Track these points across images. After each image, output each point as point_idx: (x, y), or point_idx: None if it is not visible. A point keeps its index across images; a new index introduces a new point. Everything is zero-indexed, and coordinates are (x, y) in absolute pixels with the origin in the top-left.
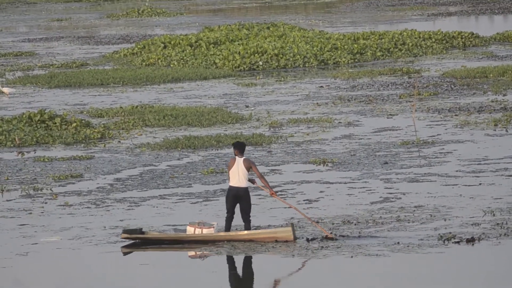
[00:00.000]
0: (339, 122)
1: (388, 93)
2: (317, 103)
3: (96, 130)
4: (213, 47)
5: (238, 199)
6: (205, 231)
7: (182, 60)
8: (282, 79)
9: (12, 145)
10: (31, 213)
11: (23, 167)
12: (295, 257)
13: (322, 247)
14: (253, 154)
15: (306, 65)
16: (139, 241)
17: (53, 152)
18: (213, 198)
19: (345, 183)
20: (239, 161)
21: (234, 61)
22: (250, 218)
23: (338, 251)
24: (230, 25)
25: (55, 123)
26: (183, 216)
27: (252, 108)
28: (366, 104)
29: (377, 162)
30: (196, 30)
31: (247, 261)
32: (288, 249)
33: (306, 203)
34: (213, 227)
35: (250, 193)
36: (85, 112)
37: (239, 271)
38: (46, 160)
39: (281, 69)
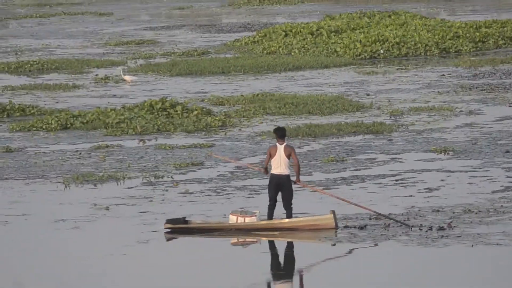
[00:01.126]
0: (461, 111)
1: (510, 81)
2: (439, 92)
3: (217, 118)
4: (334, 35)
5: (280, 187)
6: (247, 219)
7: (303, 48)
8: (403, 67)
9: (133, 133)
10: (152, 201)
11: (144, 155)
12: (416, 246)
13: (442, 236)
14: (373, 143)
15: (428, 54)
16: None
17: (174, 140)
18: (333, 186)
19: (466, 171)
20: (280, 148)
21: (355, 50)
22: (292, 206)
23: (459, 240)
24: (351, 13)
25: (176, 111)
26: (303, 203)
27: (373, 97)
28: (487, 93)
29: (498, 151)
30: (317, 18)
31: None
32: (408, 238)
33: (426, 192)
34: (255, 216)
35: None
36: (206, 100)
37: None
38: (167, 148)
39: (402, 58)
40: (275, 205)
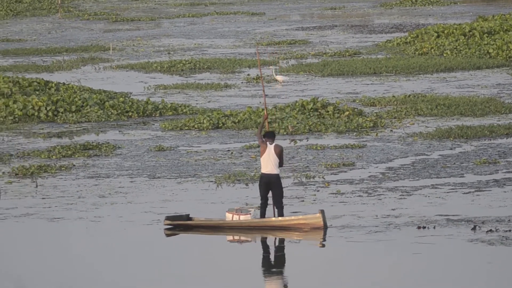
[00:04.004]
0: None
1: None
2: None
3: (368, 119)
4: (487, 36)
5: (270, 186)
6: (242, 217)
7: (455, 50)
8: None
9: (285, 133)
10: (303, 201)
11: (295, 155)
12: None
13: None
14: None
15: None
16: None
17: (325, 140)
18: (486, 188)
19: None
20: (270, 148)
21: (508, 51)
22: (283, 205)
23: None
24: (504, 15)
25: (328, 111)
26: (455, 206)
27: None
28: None
29: None
30: (469, 20)
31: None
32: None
33: None
34: (250, 214)
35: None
36: (357, 101)
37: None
38: (319, 148)
39: None
40: (266, 204)
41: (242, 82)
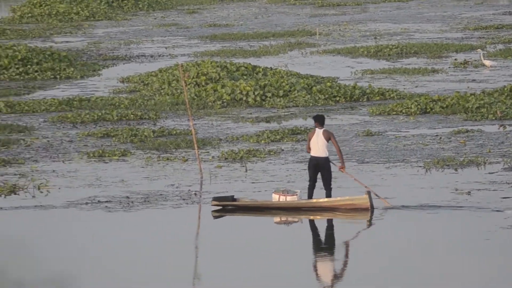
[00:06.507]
0: None
1: None
2: None
3: None
4: None
5: (319, 168)
6: (288, 198)
7: None
8: None
9: (493, 118)
10: None
11: (505, 140)
12: None
13: None
14: None
15: None
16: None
17: None
18: None
19: None
20: (319, 132)
21: None
22: (331, 187)
23: None
24: None
25: None
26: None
27: None
28: None
29: None
30: None
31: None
32: None
33: None
34: (297, 195)
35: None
36: None
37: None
38: None
39: None
40: (314, 186)
41: (449, 67)
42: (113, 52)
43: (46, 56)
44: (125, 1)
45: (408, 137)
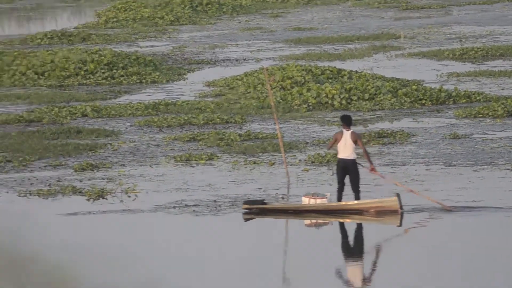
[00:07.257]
0: None
1: None
2: None
3: None
4: None
5: (347, 171)
6: (318, 201)
7: None
8: None
9: None
10: None
11: None
12: None
13: None
14: None
15: None
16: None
17: None
18: None
19: None
20: (347, 134)
21: None
22: (360, 189)
23: None
24: None
25: None
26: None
27: None
28: None
29: None
30: None
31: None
32: None
33: None
34: (326, 198)
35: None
36: None
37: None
38: None
39: None
40: (343, 188)
41: None
42: (198, 56)
43: (132, 60)
44: (209, 6)
45: (495, 139)
